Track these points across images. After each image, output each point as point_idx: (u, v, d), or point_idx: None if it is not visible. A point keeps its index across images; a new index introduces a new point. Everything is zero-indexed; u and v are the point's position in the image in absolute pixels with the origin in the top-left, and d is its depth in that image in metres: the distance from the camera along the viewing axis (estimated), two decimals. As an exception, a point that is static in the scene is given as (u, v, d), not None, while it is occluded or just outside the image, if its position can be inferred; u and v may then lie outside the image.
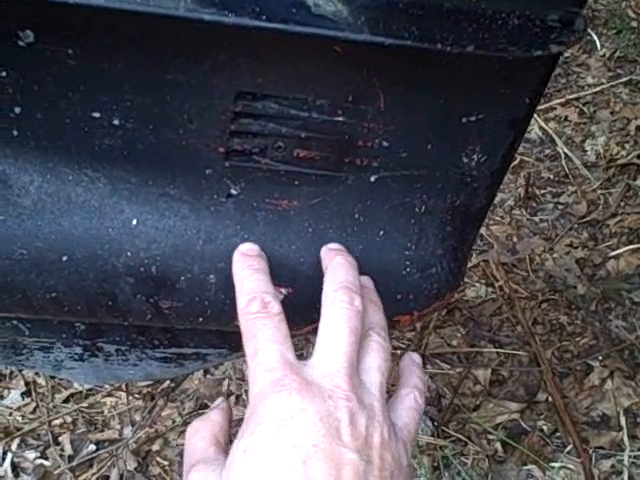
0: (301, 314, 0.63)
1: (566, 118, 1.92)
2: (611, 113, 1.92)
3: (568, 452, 1.20)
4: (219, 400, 0.59)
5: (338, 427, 0.48)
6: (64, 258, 0.56)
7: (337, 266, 0.57)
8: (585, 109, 1.94)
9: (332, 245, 0.60)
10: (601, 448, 1.21)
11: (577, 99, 1.97)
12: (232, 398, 1.36)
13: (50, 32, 0.48)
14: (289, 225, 0.59)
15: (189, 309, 0.61)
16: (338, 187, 0.58)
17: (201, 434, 0.55)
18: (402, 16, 0.46)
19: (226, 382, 1.39)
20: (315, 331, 0.65)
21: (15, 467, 1.26)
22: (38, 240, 0.56)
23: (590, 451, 1.20)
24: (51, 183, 0.56)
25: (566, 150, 1.80)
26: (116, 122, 0.53)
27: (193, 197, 0.57)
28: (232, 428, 0.57)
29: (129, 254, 0.57)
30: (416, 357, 0.64)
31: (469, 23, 0.47)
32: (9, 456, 1.28)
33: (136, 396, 1.38)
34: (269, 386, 0.49)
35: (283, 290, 0.61)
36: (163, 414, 1.33)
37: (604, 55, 2.10)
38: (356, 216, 0.60)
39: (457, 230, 0.64)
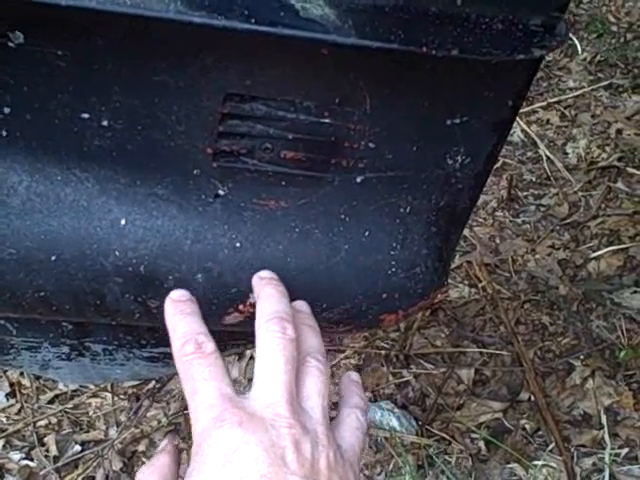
0: (287, 313, 0.64)
1: (548, 121, 1.94)
2: (592, 116, 1.95)
3: (550, 450, 1.21)
4: (164, 442, 0.59)
5: (283, 455, 0.48)
6: (53, 257, 0.57)
7: (267, 296, 0.58)
8: (567, 112, 1.96)
9: (262, 273, 0.60)
10: (582, 446, 1.22)
11: (558, 102, 1.99)
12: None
13: (40, 33, 0.48)
14: (276, 225, 0.60)
15: (177, 308, 0.62)
16: (324, 188, 0.59)
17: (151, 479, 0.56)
18: (388, 20, 0.46)
19: (211, 383, 1.39)
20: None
21: (0, 468, 1.26)
22: (27, 239, 0.56)
23: (572, 449, 1.21)
24: (40, 183, 0.56)
25: (548, 153, 1.82)
26: (105, 123, 0.53)
27: (181, 197, 0.58)
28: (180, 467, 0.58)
29: (117, 254, 0.58)
30: (355, 376, 0.64)
31: (454, 27, 0.48)
32: (-7, 457, 1.27)
33: (121, 397, 1.39)
34: (211, 423, 0.49)
35: (270, 290, 0.62)
36: (148, 415, 1.33)
37: (585, 59, 2.13)
38: (342, 216, 0.61)
39: (441, 230, 0.65)
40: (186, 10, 0.43)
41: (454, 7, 0.48)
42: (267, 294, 0.58)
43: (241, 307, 0.62)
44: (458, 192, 0.63)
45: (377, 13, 0.46)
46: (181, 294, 0.58)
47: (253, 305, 0.62)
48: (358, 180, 0.59)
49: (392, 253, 0.63)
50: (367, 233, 0.62)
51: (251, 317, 0.63)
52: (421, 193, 0.62)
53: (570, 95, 2.02)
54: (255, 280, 0.60)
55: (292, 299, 0.63)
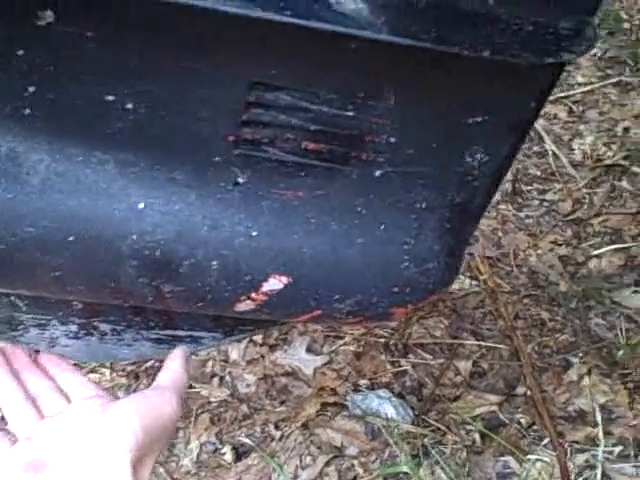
0: (299, 303, 0.64)
1: (555, 116, 1.94)
2: (599, 113, 1.94)
3: (544, 445, 1.22)
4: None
5: None
6: (70, 238, 0.57)
7: None
8: (574, 108, 1.96)
9: None
10: (576, 442, 1.23)
11: (566, 97, 1.98)
12: (215, 379, 1.37)
13: (71, 13, 0.48)
14: (292, 215, 0.60)
15: (190, 294, 0.62)
16: (343, 180, 0.59)
17: None
18: (421, 17, 0.46)
19: (210, 363, 1.40)
20: (312, 320, 0.66)
21: (-4, 439, 1.26)
22: (45, 219, 0.56)
23: (566, 445, 1.22)
24: (60, 163, 0.56)
25: (554, 148, 1.82)
26: (129, 106, 0.53)
27: (200, 184, 0.58)
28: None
29: (134, 237, 0.58)
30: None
31: (485, 27, 0.48)
32: (-9, 429, 1.28)
33: (120, 373, 1.39)
34: None
35: (283, 279, 0.62)
36: (146, 392, 1.34)
37: (595, 55, 2.12)
38: (358, 209, 0.61)
39: (455, 227, 0.65)
40: None
41: (486, 7, 0.48)
42: None
43: (254, 295, 0.62)
44: (474, 190, 0.63)
45: (410, 10, 0.46)
46: None
47: (266, 293, 0.62)
48: (376, 174, 0.59)
49: (405, 247, 0.64)
50: (382, 227, 0.63)
51: (263, 305, 0.64)
52: (437, 189, 0.62)
53: (578, 90, 2.02)
54: None
55: (304, 289, 0.63)
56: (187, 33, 0.49)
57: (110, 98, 0.53)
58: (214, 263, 0.60)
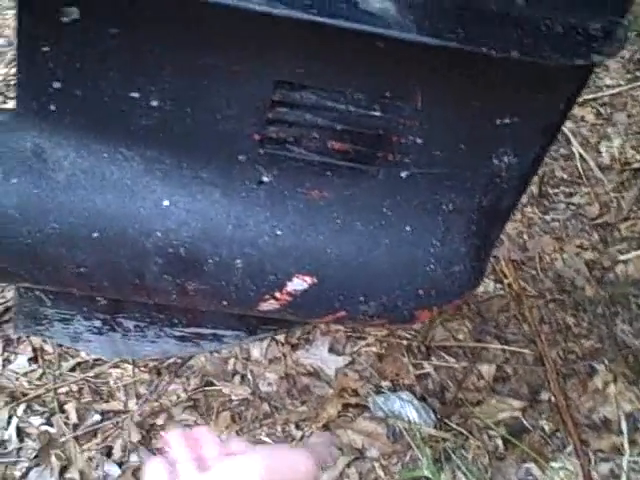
0: (323, 304, 0.64)
1: (582, 118, 1.91)
2: (628, 116, 1.91)
3: (568, 453, 1.21)
4: None
5: None
6: (95, 234, 0.57)
7: None
8: (602, 110, 1.93)
9: None
10: (601, 451, 1.22)
11: (594, 100, 1.96)
12: (237, 377, 1.37)
13: (96, 10, 0.48)
14: (318, 215, 0.60)
15: (214, 292, 0.62)
16: (369, 180, 0.59)
17: None
18: (449, 17, 0.46)
19: (232, 361, 1.40)
20: (336, 321, 0.66)
21: (20, 432, 1.27)
22: (70, 215, 0.56)
23: (590, 453, 1.20)
24: (85, 159, 0.56)
25: (581, 151, 1.80)
26: (154, 103, 0.53)
27: (225, 182, 0.58)
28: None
29: (159, 234, 0.58)
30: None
31: (514, 28, 0.47)
32: (14, 421, 1.28)
33: (142, 369, 1.39)
34: None
35: (307, 279, 0.62)
36: (168, 389, 1.34)
37: (623, 57, 2.09)
38: (384, 210, 0.61)
39: (482, 230, 0.64)
40: (249, -3, 0.43)
41: (515, 7, 0.47)
42: None
43: (277, 294, 0.62)
44: (502, 192, 0.62)
45: (437, 10, 0.46)
46: None
47: (290, 293, 0.62)
48: (403, 175, 0.59)
49: (431, 250, 0.63)
50: (408, 228, 0.62)
51: (287, 305, 0.63)
52: (465, 191, 0.61)
53: (607, 93, 1.99)
54: None
55: (329, 289, 0.63)
56: (213, 31, 0.48)
57: (135, 95, 0.53)
58: (238, 262, 0.60)
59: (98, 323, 0.74)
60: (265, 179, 0.58)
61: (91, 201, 0.56)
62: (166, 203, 0.57)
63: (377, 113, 0.54)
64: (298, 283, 0.62)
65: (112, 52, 0.51)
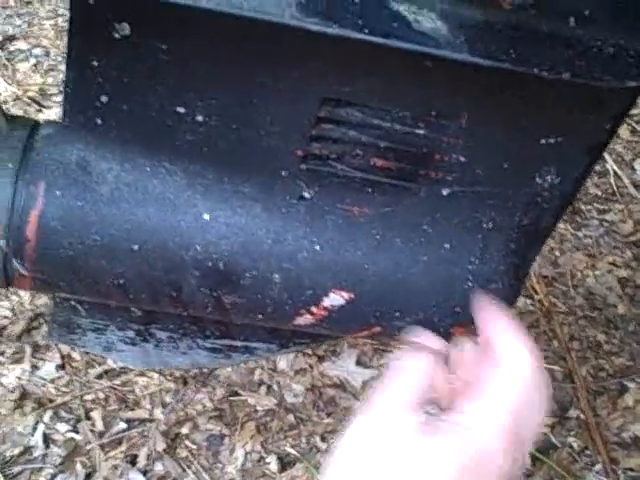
0: (359, 319, 0.64)
1: (617, 135, 1.90)
2: (663, 133, 1.90)
3: (597, 471, 1.20)
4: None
5: None
6: (135, 247, 0.57)
7: None
8: (637, 127, 1.91)
9: None
10: (630, 470, 1.20)
11: (630, 117, 1.94)
12: (263, 388, 1.37)
13: (147, 27, 0.48)
14: (357, 231, 0.60)
15: (251, 306, 0.62)
16: (410, 198, 0.59)
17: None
18: (500, 38, 0.46)
19: (258, 371, 1.40)
20: (371, 336, 0.66)
21: (46, 438, 1.28)
22: (112, 227, 0.56)
23: (619, 472, 1.19)
24: (129, 173, 0.57)
25: (615, 168, 1.78)
26: (199, 118, 0.54)
27: (266, 197, 0.58)
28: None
29: (198, 248, 0.58)
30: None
31: (565, 49, 0.47)
32: (41, 427, 1.29)
33: (168, 378, 1.40)
34: None
35: (344, 294, 0.61)
36: (194, 398, 1.34)
37: (658, 72, 2.07)
38: (424, 227, 0.60)
39: (520, 248, 0.64)
40: (301, 16, 0.42)
41: (567, 28, 0.47)
42: None
43: (314, 309, 0.62)
44: (542, 211, 0.62)
45: (489, 30, 0.46)
46: None
47: (326, 308, 0.62)
48: (444, 193, 0.59)
49: (470, 268, 0.63)
50: (447, 245, 0.62)
51: (322, 320, 0.63)
52: (505, 210, 0.61)
53: (642, 110, 1.98)
54: None
55: (365, 305, 0.63)
56: (262, 48, 0.49)
57: (181, 110, 0.53)
58: (276, 276, 0.60)
59: (131, 333, 0.74)
60: (306, 195, 0.58)
61: (133, 214, 0.57)
62: (206, 217, 0.57)
63: (422, 131, 0.54)
64: (335, 298, 0.62)
65: (161, 67, 0.51)
